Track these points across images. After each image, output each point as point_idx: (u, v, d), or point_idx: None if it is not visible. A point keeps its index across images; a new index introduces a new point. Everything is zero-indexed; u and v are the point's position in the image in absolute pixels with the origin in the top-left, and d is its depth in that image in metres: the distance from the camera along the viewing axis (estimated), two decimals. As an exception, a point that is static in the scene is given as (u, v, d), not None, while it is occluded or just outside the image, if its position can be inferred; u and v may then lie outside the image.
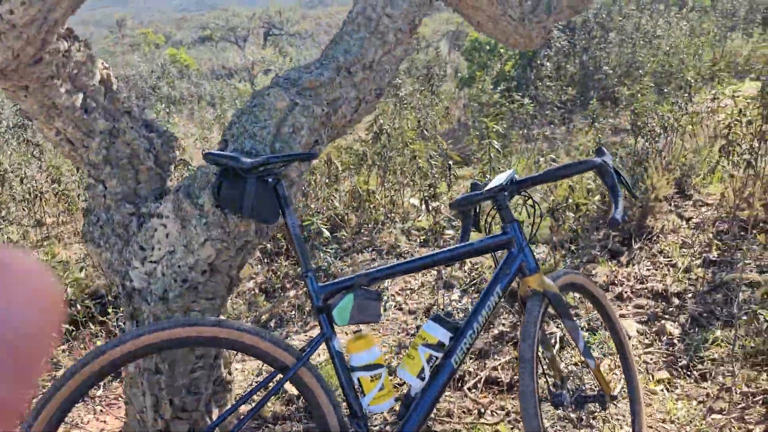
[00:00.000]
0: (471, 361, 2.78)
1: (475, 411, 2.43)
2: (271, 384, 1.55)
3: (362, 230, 4.34)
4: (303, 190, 4.10)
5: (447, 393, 2.57)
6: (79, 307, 3.25)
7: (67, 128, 1.51)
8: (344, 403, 1.62)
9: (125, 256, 1.61)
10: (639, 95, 4.70)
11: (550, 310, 1.81)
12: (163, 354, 1.66)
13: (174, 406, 1.74)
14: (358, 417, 1.59)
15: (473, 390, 2.59)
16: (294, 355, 1.53)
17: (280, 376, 1.54)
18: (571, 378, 1.91)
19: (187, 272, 1.59)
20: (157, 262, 1.60)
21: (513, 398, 2.51)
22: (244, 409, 2.36)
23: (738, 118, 3.74)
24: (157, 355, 1.66)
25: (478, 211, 1.95)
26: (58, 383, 1.33)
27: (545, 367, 1.90)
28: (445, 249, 1.70)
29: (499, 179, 1.77)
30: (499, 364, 2.70)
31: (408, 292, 3.62)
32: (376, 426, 2.42)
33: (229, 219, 1.56)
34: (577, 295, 3.11)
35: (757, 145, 3.79)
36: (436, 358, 1.65)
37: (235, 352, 3.04)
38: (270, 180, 1.53)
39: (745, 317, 2.43)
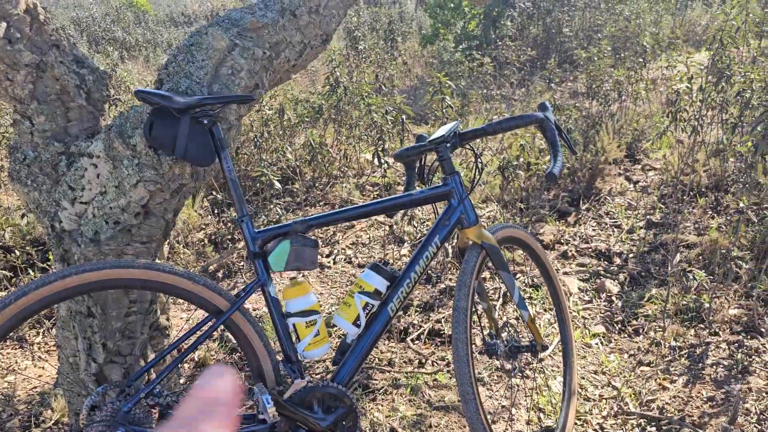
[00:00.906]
0: (416, 314, 2.83)
1: (416, 361, 2.48)
2: (205, 328, 1.54)
3: (316, 184, 4.31)
4: (256, 141, 4.03)
5: (390, 344, 2.62)
6: (18, 253, 3.16)
7: (-12, 59, 1.43)
8: (279, 349, 1.62)
9: (54, 196, 1.56)
10: (595, 59, 4.73)
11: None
12: (95, 297, 1.63)
13: (108, 349, 1.72)
14: (293, 362, 1.60)
15: (416, 341, 2.64)
16: (228, 300, 1.52)
17: (214, 321, 1.53)
18: (507, 329, 1.96)
19: (119, 214, 1.55)
20: (88, 203, 1.55)
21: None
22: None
23: (687, 85, 3.80)
24: (90, 298, 1.63)
25: (423, 163, 1.95)
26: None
27: (480, 317, 1.94)
28: (385, 198, 1.70)
29: (442, 131, 1.77)
30: (443, 317, 2.76)
31: (360, 246, 3.64)
32: (315, 374, 2.45)
33: (162, 160, 1.52)
34: (523, 252, 3.17)
35: (704, 112, 3.87)
36: (372, 305, 1.66)
37: (174, 299, 3.01)
38: (205, 122, 1.49)
39: (684, 278, 2.52)
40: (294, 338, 1.61)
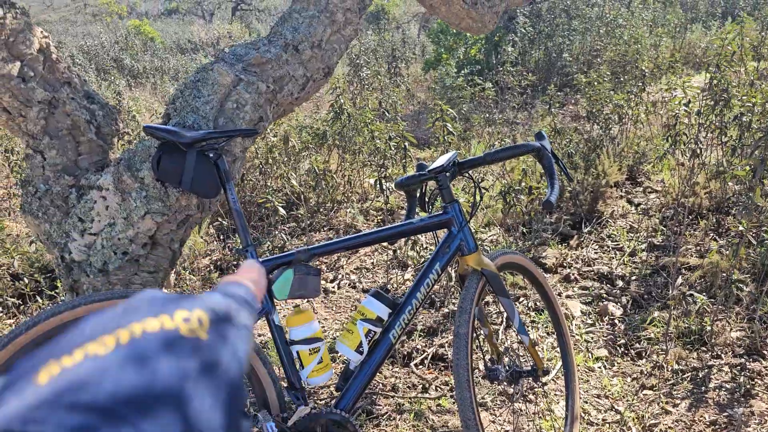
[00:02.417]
0: (420, 338, 2.85)
1: (420, 386, 2.50)
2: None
3: (320, 210, 4.36)
4: (261, 168, 4.09)
5: (394, 369, 2.63)
6: (26, 280, 3.21)
7: (3, 97, 1.49)
8: (283, 376, 1.65)
9: (64, 228, 1.61)
10: (595, 83, 4.79)
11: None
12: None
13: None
14: (297, 389, 1.63)
15: (420, 366, 2.66)
16: (233, 328, 1.56)
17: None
18: (508, 354, 1.98)
19: (127, 245, 1.59)
20: (97, 234, 1.60)
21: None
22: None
23: (686, 108, 3.85)
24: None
25: (424, 191, 1.99)
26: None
27: (482, 342, 1.97)
28: (386, 227, 1.74)
29: (441, 160, 1.82)
30: (447, 342, 2.77)
31: (363, 271, 3.67)
32: (319, 399, 2.47)
33: (169, 192, 1.57)
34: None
35: (703, 135, 3.92)
36: (375, 332, 1.69)
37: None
38: (211, 155, 1.54)
39: (684, 302, 2.54)
40: (298, 365, 1.63)
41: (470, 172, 1.91)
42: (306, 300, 3.28)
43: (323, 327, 3.03)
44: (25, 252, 3.38)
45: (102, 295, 1.42)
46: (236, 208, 1.57)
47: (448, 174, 1.80)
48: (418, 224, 1.76)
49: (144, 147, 1.59)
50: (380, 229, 1.73)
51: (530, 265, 2.04)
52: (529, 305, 3.11)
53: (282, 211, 3.61)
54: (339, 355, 2.76)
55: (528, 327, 2.94)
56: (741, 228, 2.54)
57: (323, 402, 2.45)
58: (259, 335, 2.97)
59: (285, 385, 1.64)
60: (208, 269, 3.72)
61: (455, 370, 1.66)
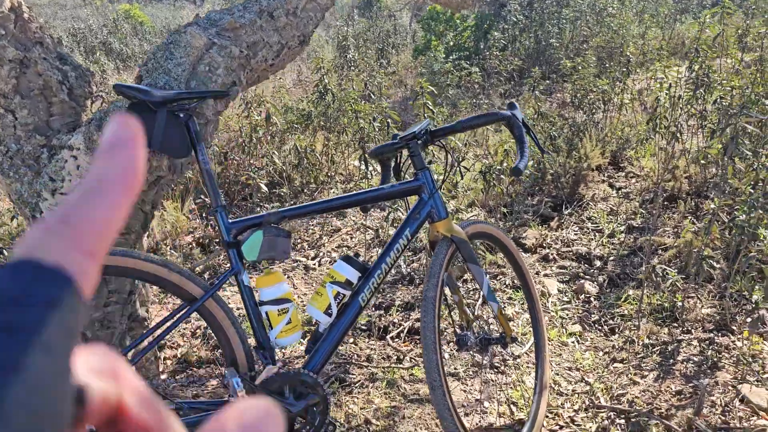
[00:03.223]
0: (397, 313, 2.88)
1: (395, 357, 2.53)
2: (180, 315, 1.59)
3: (305, 190, 4.37)
4: (244, 146, 4.10)
5: (370, 342, 2.67)
6: (6, 253, 3.21)
7: (-27, 54, 1.49)
8: (253, 336, 1.68)
9: (35, 187, 1.62)
10: (579, 68, 4.82)
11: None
12: (75, 286, 1.68)
13: (86, 339, 1.77)
14: (265, 349, 1.65)
15: (396, 339, 2.69)
16: (202, 288, 1.58)
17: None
18: (478, 322, 2.01)
19: (98, 204, 1.60)
20: (68, 194, 1.61)
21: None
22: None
23: (666, 92, 3.89)
24: (69, 287, 1.68)
25: (399, 161, 2.01)
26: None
27: (453, 309, 2.00)
28: (356, 192, 1.76)
29: (414, 128, 1.84)
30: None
31: (344, 249, 3.69)
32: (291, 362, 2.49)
33: (140, 153, 1.58)
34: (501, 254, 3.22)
35: (683, 120, 3.95)
36: (344, 295, 1.72)
37: (152, 292, 3.06)
38: (181, 116, 1.55)
39: (653, 276, 2.58)
40: (267, 326, 1.66)
41: (443, 140, 1.93)
42: (277, 262, 3.32)
43: (302, 301, 3.05)
44: (5, 225, 3.38)
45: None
46: (207, 168, 1.59)
47: (419, 142, 1.82)
48: (389, 190, 1.78)
49: (116, 108, 1.60)
50: (350, 194, 1.75)
51: (502, 236, 2.07)
52: (507, 282, 3.15)
53: (264, 189, 3.62)
54: (311, 318, 2.79)
55: (499, 296, 2.98)
56: (713, 206, 2.58)
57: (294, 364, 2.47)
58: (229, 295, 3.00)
59: (254, 344, 1.67)
60: (190, 246, 3.73)
61: (423, 333, 1.69)
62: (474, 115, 1.79)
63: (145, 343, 1.64)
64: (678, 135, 3.71)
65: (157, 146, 1.52)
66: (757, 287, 2.41)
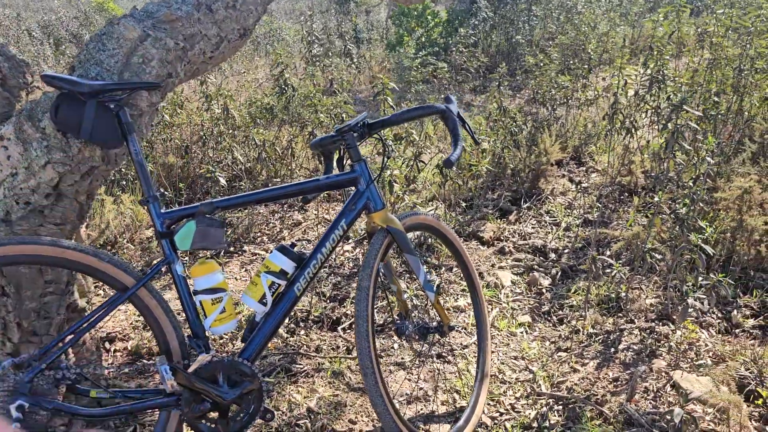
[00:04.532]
0: (350, 305, 2.91)
1: (344, 348, 2.56)
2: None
3: (269, 184, 4.37)
4: (204, 140, 4.09)
5: (321, 333, 2.69)
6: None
7: None
8: (187, 326, 1.69)
9: (-34, 177, 1.62)
10: (541, 65, 4.88)
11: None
12: (8, 275, 1.68)
13: (23, 329, 1.77)
14: (200, 338, 1.67)
15: (347, 331, 2.72)
16: (134, 277, 1.59)
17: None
18: (417, 311, 2.05)
19: (29, 194, 1.61)
20: (-1, 184, 1.61)
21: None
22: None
23: (623, 89, 3.96)
24: (2, 277, 1.68)
25: (342, 154, 2.03)
26: None
27: (392, 298, 2.03)
28: (293, 183, 1.79)
29: (350, 121, 1.86)
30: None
31: (304, 242, 3.71)
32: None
33: (71, 143, 1.59)
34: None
35: (637, 116, 4.03)
36: (279, 285, 1.74)
37: (93, 282, 3.05)
38: (112, 106, 1.56)
39: (594, 267, 2.64)
40: (201, 315, 1.68)
41: (381, 133, 1.97)
42: (212, 252, 3.33)
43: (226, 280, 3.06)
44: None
45: (5, 239, 1.44)
46: (138, 159, 1.60)
47: (355, 134, 1.84)
48: (325, 181, 1.81)
49: (47, 98, 1.60)
50: (287, 185, 1.77)
51: (442, 226, 2.11)
52: (462, 275, 3.19)
53: (223, 182, 3.63)
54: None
55: (453, 289, 3.03)
56: (656, 199, 2.65)
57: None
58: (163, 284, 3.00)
59: (189, 333, 1.68)
60: (149, 239, 3.72)
61: (356, 321, 1.72)
62: (408, 108, 1.83)
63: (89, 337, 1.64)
64: (633, 131, 3.79)
65: (86, 136, 1.53)
66: (689, 276, 2.48)
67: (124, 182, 4.00)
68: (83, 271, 1.55)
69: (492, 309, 2.88)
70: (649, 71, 3.79)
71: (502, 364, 2.47)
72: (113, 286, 1.59)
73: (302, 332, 2.68)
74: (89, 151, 1.63)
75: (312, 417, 2.09)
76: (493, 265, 3.34)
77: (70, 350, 1.92)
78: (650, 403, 2.07)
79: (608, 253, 3.20)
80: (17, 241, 1.47)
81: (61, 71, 1.75)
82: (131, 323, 2.80)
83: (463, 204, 3.99)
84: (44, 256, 1.49)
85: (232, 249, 3.60)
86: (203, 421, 1.66)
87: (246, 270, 3.36)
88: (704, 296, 2.29)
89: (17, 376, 1.46)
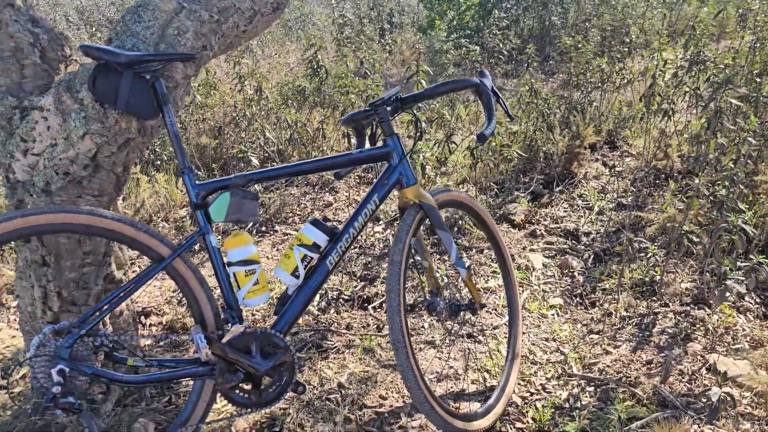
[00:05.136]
0: (381, 284, 2.91)
1: (374, 326, 2.57)
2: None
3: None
4: (236, 120, 4.12)
5: (352, 312, 2.70)
6: None
7: (-56, 15, 1.52)
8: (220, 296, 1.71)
9: (8, 148, 1.65)
10: (579, 46, 4.78)
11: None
12: (48, 245, 1.72)
13: (62, 298, 1.81)
14: (233, 309, 1.69)
15: (377, 310, 2.72)
16: (170, 247, 1.61)
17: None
18: (448, 289, 2.04)
19: (68, 165, 1.64)
20: (39, 154, 1.64)
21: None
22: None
23: (661, 71, 3.86)
24: (43, 247, 1.72)
25: (374, 129, 2.02)
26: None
27: (422, 275, 2.02)
28: (325, 157, 1.78)
29: (383, 95, 1.85)
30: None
31: (336, 223, 3.72)
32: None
33: (108, 114, 1.61)
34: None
35: (676, 98, 3.93)
36: (311, 258, 1.75)
37: (130, 255, 3.11)
38: (148, 77, 1.58)
39: (630, 249, 2.59)
40: (235, 286, 1.69)
41: (412, 108, 1.95)
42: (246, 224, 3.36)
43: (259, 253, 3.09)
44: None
45: (39, 209, 1.47)
46: (174, 131, 1.62)
47: (389, 108, 1.83)
48: (357, 155, 1.80)
49: (85, 69, 1.63)
50: (319, 159, 1.77)
51: (475, 204, 2.09)
52: (492, 256, 3.17)
53: (256, 162, 3.65)
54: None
55: (483, 270, 3.01)
56: (697, 181, 2.58)
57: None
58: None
59: (222, 304, 1.70)
60: (183, 219, 3.77)
61: (387, 295, 1.72)
62: (442, 82, 1.81)
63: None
64: (670, 113, 3.69)
65: (123, 106, 1.55)
66: (727, 259, 2.41)
67: (159, 161, 4.06)
68: (121, 241, 1.57)
69: (523, 291, 2.85)
70: (689, 53, 3.68)
71: (533, 345, 2.44)
72: (149, 256, 1.61)
73: (333, 310, 2.70)
74: (126, 123, 1.65)
75: (343, 392, 2.10)
76: (524, 248, 3.31)
77: (107, 321, 1.97)
78: (685, 385, 2.03)
79: (642, 236, 3.14)
80: (57, 210, 1.49)
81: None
82: (166, 298, 2.85)
83: (495, 187, 3.95)
84: (83, 224, 1.51)
85: (264, 228, 3.63)
86: (236, 391, 1.68)
87: (277, 249, 3.39)
88: (743, 278, 2.23)
89: (58, 342, 1.49)
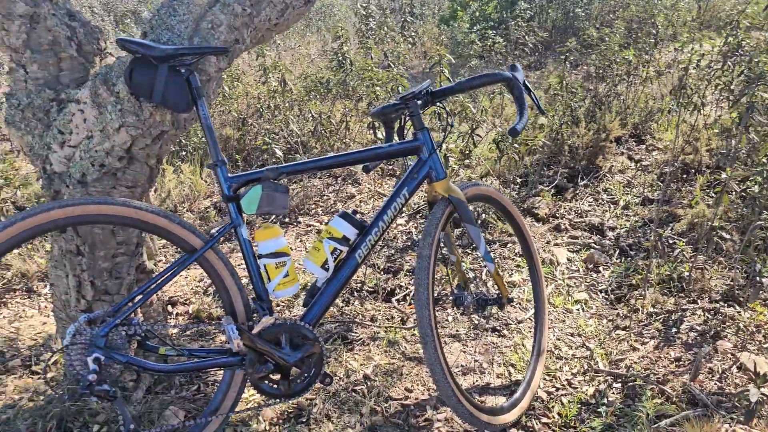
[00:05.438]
0: (405, 277, 2.92)
1: (399, 319, 2.58)
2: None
3: (322, 156, 4.41)
4: (260, 111, 4.14)
5: (376, 304, 2.71)
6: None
7: (-15, 9, 1.55)
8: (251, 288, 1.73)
9: (45, 140, 1.68)
10: (606, 39, 4.72)
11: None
12: (83, 235, 1.75)
13: (96, 288, 1.84)
14: (263, 300, 1.71)
15: (401, 302, 2.73)
16: (202, 239, 1.63)
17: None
18: (476, 283, 2.04)
19: (104, 157, 1.66)
20: (76, 146, 1.67)
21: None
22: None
23: (697, 64, 3.79)
24: (78, 237, 1.75)
25: (403, 123, 2.02)
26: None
27: (450, 269, 2.02)
28: (355, 150, 1.79)
29: (414, 89, 1.85)
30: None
31: (359, 216, 3.73)
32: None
33: (143, 107, 1.63)
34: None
35: (707, 92, 3.86)
36: (341, 251, 1.76)
37: (162, 245, 3.14)
38: (182, 71, 1.59)
39: (659, 244, 2.56)
40: (265, 278, 1.71)
41: (443, 101, 1.94)
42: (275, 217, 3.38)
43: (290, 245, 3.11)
44: (30, 184, 3.50)
45: (76, 200, 1.49)
46: (208, 124, 1.63)
47: (419, 102, 1.83)
48: (387, 149, 1.81)
49: (120, 63, 1.65)
50: (350, 151, 1.78)
51: (503, 198, 2.08)
52: (516, 251, 3.16)
53: (279, 154, 3.67)
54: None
55: (507, 264, 3.00)
56: (724, 176, 2.54)
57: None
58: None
59: (252, 296, 1.72)
60: (207, 209, 3.81)
61: (416, 289, 1.72)
62: (474, 76, 1.80)
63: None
64: (701, 107, 3.63)
65: (158, 99, 1.57)
66: (761, 256, 2.38)
67: (184, 153, 4.10)
68: (154, 232, 1.59)
69: (547, 286, 2.84)
70: (726, 45, 3.61)
71: (558, 340, 2.44)
72: (182, 247, 1.63)
73: (357, 302, 2.71)
74: (160, 115, 1.67)
75: (368, 383, 2.12)
76: (548, 242, 3.29)
77: (138, 309, 2.00)
78: (715, 383, 2.01)
79: (670, 231, 3.10)
80: (93, 201, 1.52)
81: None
82: (192, 288, 2.88)
83: (518, 180, 3.93)
84: (119, 215, 1.53)
85: (287, 220, 3.66)
86: (266, 381, 1.70)
87: (301, 241, 3.41)
88: (777, 277, 2.20)
89: (93, 331, 1.52)
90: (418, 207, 3.65)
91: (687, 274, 2.65)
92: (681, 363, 2.16)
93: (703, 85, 3.88)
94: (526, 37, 5.78)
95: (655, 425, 1.84)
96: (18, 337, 2.48)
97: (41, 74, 1.69)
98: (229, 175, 1.66)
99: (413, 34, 7.18)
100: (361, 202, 3.87)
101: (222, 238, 3.47)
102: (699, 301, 2.55)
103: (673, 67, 5.91)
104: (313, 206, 3.82)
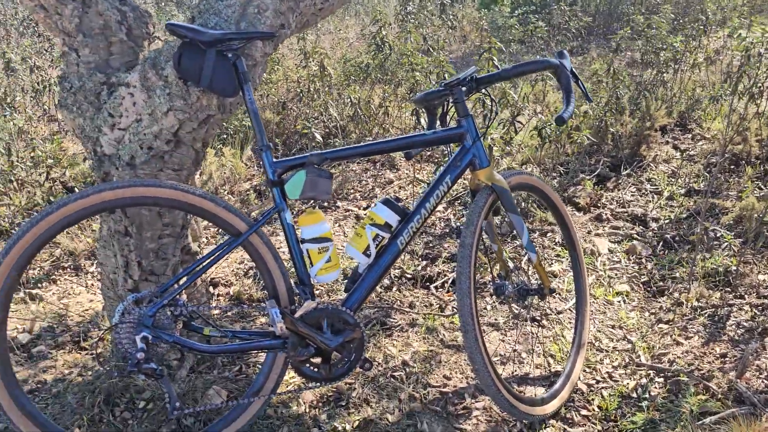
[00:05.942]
0: (443, 264, 2.91)
1: (437, 306, 2.58)
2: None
3: (361, 142, 4.41)
4: (300, 96, 4.16)
5: (414, 291, 2.72)
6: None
7: (40, -7, 1.58)
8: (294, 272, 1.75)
9: (96, 122, 1.72)
10: (654, 25, 4.58)
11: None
12: (132, 216, 1.79)
13: (142, 268, 1.89)
14: (305, 285, 1.72)
15: (440, 289, 2.73)
16: (246, 222, 1.65)
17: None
18: (517, 273, 2.02)
19: (152, 140, 1.69)
20: (125, 129, 1.70)
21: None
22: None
23: (759, 52, 3.65)
24: (126, 218, 1.79)
25: (446, 109, 2.00)
26: (20, 232, 1.45)
27: (492, 257, 2.00)
28: (399, 137, 1.78)
29: (459, 75, 1.83)
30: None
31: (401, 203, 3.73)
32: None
33: (191, 91, 1.65)
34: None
35: (763, 80, 3.72)
36: (383, 237, 1.76)
37: (204, 227, 3.19)
38: (230, 55, 1.60)
39: (706, 237, 2.50)
40: (307, 263, 1.72)
41: (488, 88, 1.91)
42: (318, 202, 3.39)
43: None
44: (77, 164, 3.59)
45: (126, 182, 1.53)
46: (253, 108, 1.64)
47: (464, 88, 1.81)
48: (431, 136, 1.79)
49: (169, 47, 1.67)
50: (393, 138, 1.77)
51: (546, 188, 2.05)
52: (557, 240, 3.12)
53: (319, 138, 3.68)
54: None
55: (547, 254, 2.97)
56: (779, 168, 2.45)
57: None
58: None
59: (295, 280, 1.74)
60: (248, 192, 3.85)
61: (458, 278, 1.72)
62: (521, 63, 1.76)
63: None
64: (758, 95, 3.50)
65: (206, 84, 1.58)
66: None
67: (225, 136, 4.15)
68: (200, 215, 1.62)
69: (588, 276, 2.79)
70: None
71: (599, 332, 2.40)
72: (227, 231, 1.65)
73: (395, 289, 2.72)
74: (207, 100, 1.69)
75: (407, 369, 2.13)
76: (589, 232, 3.24)
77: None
78: (763, 382, 1.96)
79: (717, 224, 3.01)
80: (141, 183, 1.55)
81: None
82: (233, 270, 2.93)
83: (560, 168, 3.86)
84: (167, 198, 1.56)
85: (325, 204, 3.68)
86: (307, 365, 1.72)
87: (339, 225, 3.43)
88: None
89: (141, 311, 1.56)
90: (457, 194, 3.63)
91: (734, 268, 2.58)
92: (727, 359, 2.11)
93: (760, 73, 3.74)
94: (569, 21, 5.65)
95: (700, 422, 1.80)
96: (67, 314, 2.56)
97: (92, 58, 1.72)
98: (275, 160, 1.67)
99: (452, 18, 7.09)
100: (399, 188, 3.86)
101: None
102: (746, 296, 2.48)
103: (722, 54, 5.72)
104: (352, 191, 3.83)
